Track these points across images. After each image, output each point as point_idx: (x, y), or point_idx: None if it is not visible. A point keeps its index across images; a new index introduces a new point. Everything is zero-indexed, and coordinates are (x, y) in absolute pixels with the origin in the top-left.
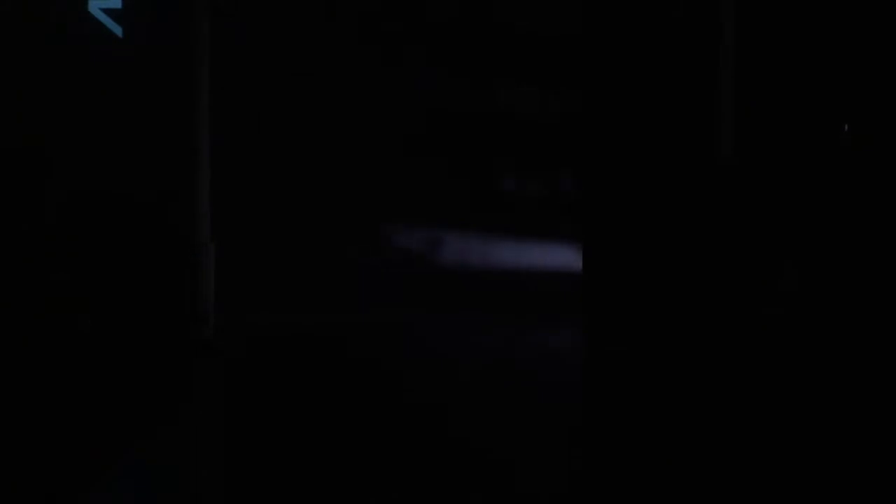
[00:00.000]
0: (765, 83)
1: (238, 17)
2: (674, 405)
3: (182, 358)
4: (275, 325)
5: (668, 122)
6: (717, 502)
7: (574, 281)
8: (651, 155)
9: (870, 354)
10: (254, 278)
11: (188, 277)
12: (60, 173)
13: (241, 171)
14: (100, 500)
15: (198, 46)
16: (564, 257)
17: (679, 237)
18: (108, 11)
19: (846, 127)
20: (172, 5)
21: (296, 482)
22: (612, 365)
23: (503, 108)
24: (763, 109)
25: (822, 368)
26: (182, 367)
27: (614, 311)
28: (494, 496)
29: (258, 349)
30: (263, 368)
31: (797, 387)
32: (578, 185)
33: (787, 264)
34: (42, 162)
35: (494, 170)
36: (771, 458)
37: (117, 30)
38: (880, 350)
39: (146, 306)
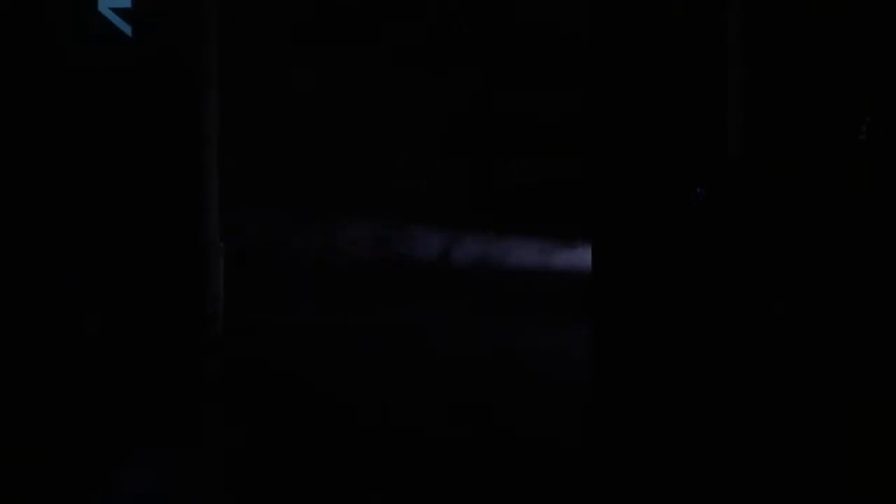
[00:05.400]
0: (772, 82)
1: (239, 20)
2: (680, 401)
3: (190, 358)
4: (281, 326)
5: (677, 123)
6: (718, 491)
7: (566, 280)
8: (660, 155)
9: (874, 353)
10: (261, 279)
11: (197, 277)
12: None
13: (248, 172)
14: (106, 499)
15: (205, 47)
16: (574, 258)
17: (686, 233)
18: (118, 11)
19: (867, 119)
20: (182, 6)
21: (311, 475)
22: (621, 360)
23: (522, 110)
24: (770, 109)
25: (823, 367)
26: (190, 367)
27: (622, 305)
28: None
29: (265, 349)
30: (270, 369)
31: (801, 378)
32: (588, 185)
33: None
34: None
35: (515, 170)
36: (770, 456)
37: (127, 29)
38: (884, 349)
39: (156, 306)
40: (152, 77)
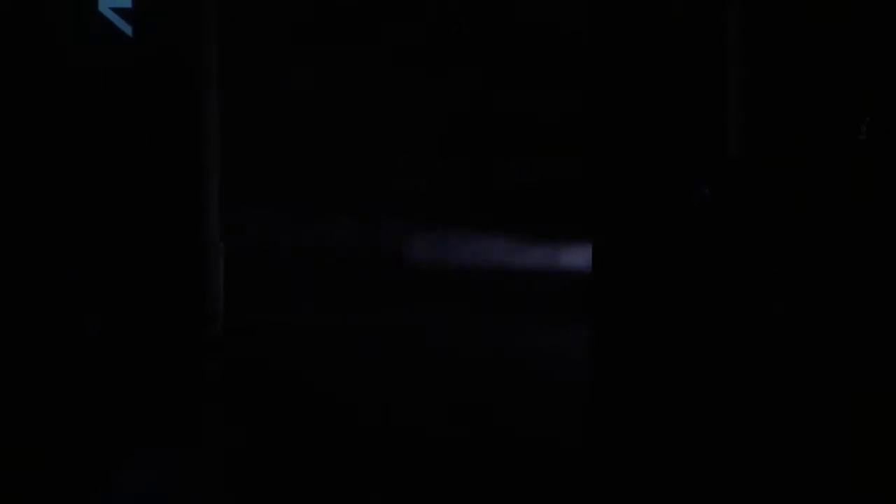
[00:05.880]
0: (772, 82)
1: (239, 20)
2: (680, 401)
3: (190, 358)
4: (281, 326)
5: (677, 123)
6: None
7: (566, 280)
8: (660, 155)
9: (874, 353)
10: (261, 279)
11: (197, 277)
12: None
13: (248, 172)
14: (106, 499)
15: (205, 47)
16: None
17: (686, 233)
18: (118, 11)
19: (867, 119)
20: (182, 6)
21: (311, 475)
22: (621, 360)
23: (522, 110)
24: (770, 109)
25: (823, 367)
26: (190, 367)
27: (622, 305)
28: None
29: (265, 349)
30: (270, 369)
31: (801, 378)
32: (588, 185)
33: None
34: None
35: (514, 169)
36: (770, 456)
37: (127, 29)
38: (884, 349)
39: (156, 306)
40: (152, 77)
